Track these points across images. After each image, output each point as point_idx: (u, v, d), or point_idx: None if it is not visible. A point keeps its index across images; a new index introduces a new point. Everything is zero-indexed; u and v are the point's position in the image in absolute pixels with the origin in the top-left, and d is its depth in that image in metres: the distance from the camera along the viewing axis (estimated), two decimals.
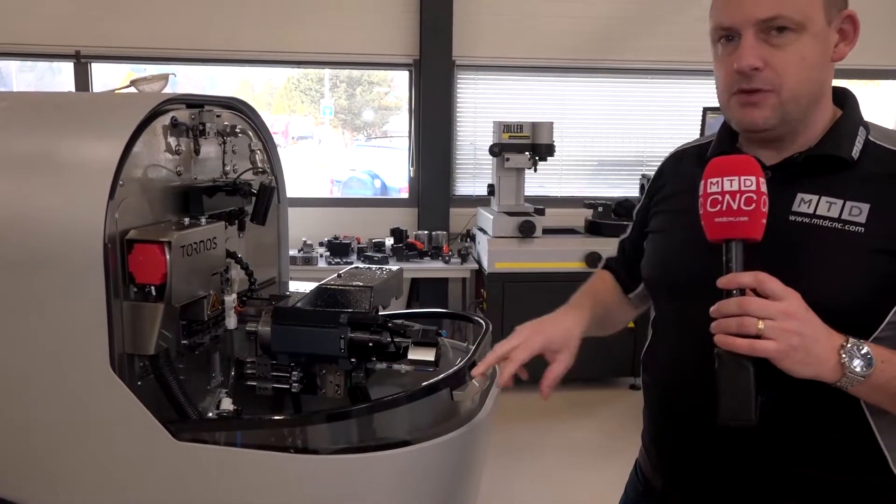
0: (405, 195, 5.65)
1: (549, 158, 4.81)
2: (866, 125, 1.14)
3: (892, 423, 1.09)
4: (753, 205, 0.99)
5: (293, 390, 1.60)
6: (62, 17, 5.01)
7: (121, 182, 1.28)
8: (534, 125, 4.79)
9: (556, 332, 1.27)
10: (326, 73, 6.97)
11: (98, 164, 1.26)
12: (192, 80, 6.90)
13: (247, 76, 7.13)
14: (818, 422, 1.09)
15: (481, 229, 4.99)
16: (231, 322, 1.59)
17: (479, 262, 4.96)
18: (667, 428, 1.27)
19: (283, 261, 1.93)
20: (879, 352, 1.00)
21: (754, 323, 0.95)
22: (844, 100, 1.17)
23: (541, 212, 4.77)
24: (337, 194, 6.65)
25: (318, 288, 1.57)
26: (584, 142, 5.43)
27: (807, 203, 1.09)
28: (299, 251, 4.95)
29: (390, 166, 6.57)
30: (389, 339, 1.52)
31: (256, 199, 1.56)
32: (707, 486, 1.19)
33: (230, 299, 1.57)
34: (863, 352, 0.98)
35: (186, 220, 1.43)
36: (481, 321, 1.70)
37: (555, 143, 4.79)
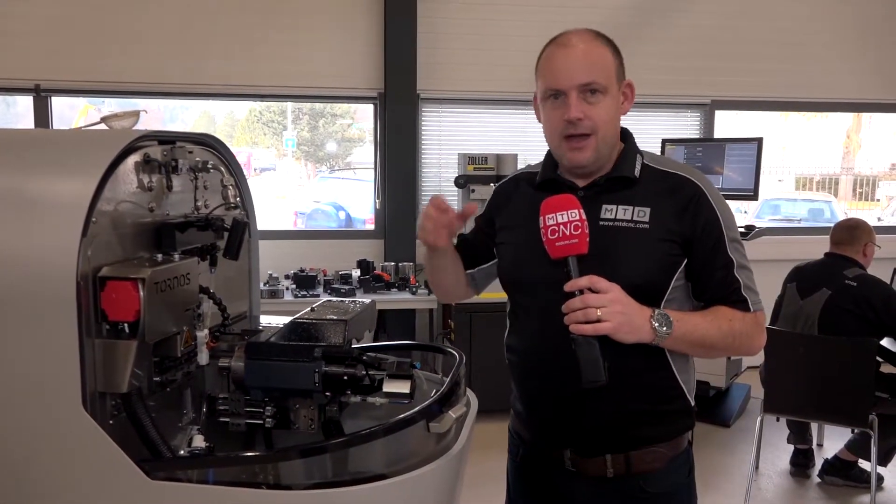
0: (370, 227, 5.66)
1: None
2: (641, 153, 1.61)
3: (682, 363, 1.57)
4: (580, 230, 1.41)
5: (267, 425, 1.59)
6: (21, 50, 4.96)
7: (93, 219, 1.27)
8: (498, 157, 4.86)
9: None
10: (289, 105, 6.97)
11: (71, 202, 1.26)
12: (153, 113, 6.86)
13: (208, 108, 7.10)
14: (640, 370, 1.52)
15: None
16: (203, 358, 1.58)
17: None
18: (533, 392, 1.65)
19: (255, 295, 1.93)
20: (674, 314, 1.46)
21: (594, 312, 1.37)
22: (626, 136, 1.62)
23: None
24: (301, 226, 6.63)
25: (291, 322, 1.57)
26: None
27: (609, 211, 1.54)
28: (265, 284, 4.91)
29: (355, 198, 6.58)
30: (364, 372, 1.52)
31: (229, 234, 1.56)
32: (565, 430, 1.59)
33: (202, 335, 1.56)
34: (665, 317, 1.44)
35: (159, 256, 1.43)
36: (454, 352, 1.71)
37: None
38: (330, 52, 5.29)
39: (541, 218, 1.45)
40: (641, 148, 1.64)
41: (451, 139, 5.54)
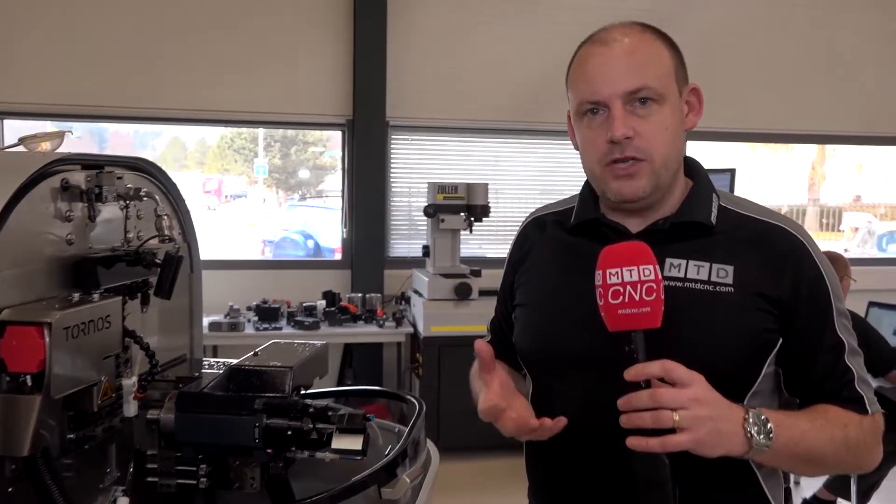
0: (339, 256, 5.50)
1: (484, 219, 4.75)
2: (717, 193, 1.22)
3: (770, 474, 1.18)
4: (654, 294, 1.01)
5: (201, 486, 1.41)
6: None
7: None
8: (468, 186, 4.75)
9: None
10: (261, 132, 6.84)
11: None
12: (122, 138, 6.66)
13: (178, 134, 6.93)
14: (719, 486, 1.13)
15: (416, 291, 4.87)
16: (130, 409, 1.40)
17: (414, 325, 4.83)
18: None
19: (196, 336, 1.75)
20: (773, 417, 1.04)
21: (670, 416, 0.96)
22: (694, 170, 1.24)
23: (477, 273, 4.69)
24: (269, 255, 6.44)
25: (230, 368, 1.40)
26: (519, 202, 5.41)
27: (676, 267, 1.14)
28: (225, 316, 4.72)
29: (325, 226, 6.42)
30: (311, 426, 1.35)
31: (161, 269, 1.39)
32: None
33: (129, 383, 1.38)
34: (763, 420, 1.02)
35: (76, 295, 1.25)
36: (414, 401, 1.55)
37: (490, 204, 4.74)
38: (298, 78, 5.17)
39: (598, 273, 1.05)
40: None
41: (422, 168, 5.42)
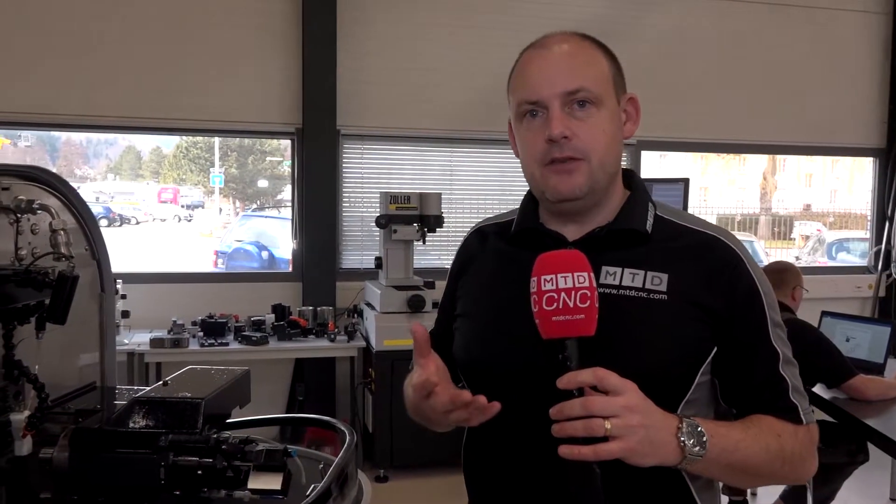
0: (291, 268, 5.33)
1: (438, 229, 4.65)
2: (653, 202, 1.22)
3: (705, 487, 1.15)
4: (588, 301, 0.99)
5: None
6: None
7: None
8: (421, 196, 4.63)
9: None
10: (217, 141, 6.65)
11: None
12: (74, 147, 6.40)
13: (133, 143, 6.69)
14: (651, 499, 1.11)
15: (369, 304, 4.74)
16: (22, 448, 1.25)
17: (367, 339, 4.69)
18: None
19: (108, 361, 1.60)
20: (707, 426, 1.03)
21: (601, 424, 0.94)
22: (632, 179, 1.24)
23: (430, 285, 4.57)
24: (223, 266, 6.25)
25: (132, 401, 1.26)
26: (474, 212, 5.32)
27: (612, 275, 1.14)
28: (169, 332, 4.52)
29: (280, 237, 6.25)
30: (225, 464, 1.22)
31: (53, 291, 1.25)
32: None
33: (18, 419, 1.23)
34: (697, 430, 1.01)
35: None
36: (343, 429, 1.42)
37: (443, 214, 4.64)
38: (247, 85, 4.99)
39: (533, 280, 1.03)
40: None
41: (374, 177, 5.29)
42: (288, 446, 1.27)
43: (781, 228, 7.98)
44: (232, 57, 4.98)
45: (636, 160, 5.76)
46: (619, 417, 0.95)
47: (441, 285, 4.67)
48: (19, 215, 1.29)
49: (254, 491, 1.22)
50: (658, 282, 1.12)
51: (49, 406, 1.26)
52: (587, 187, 1.14)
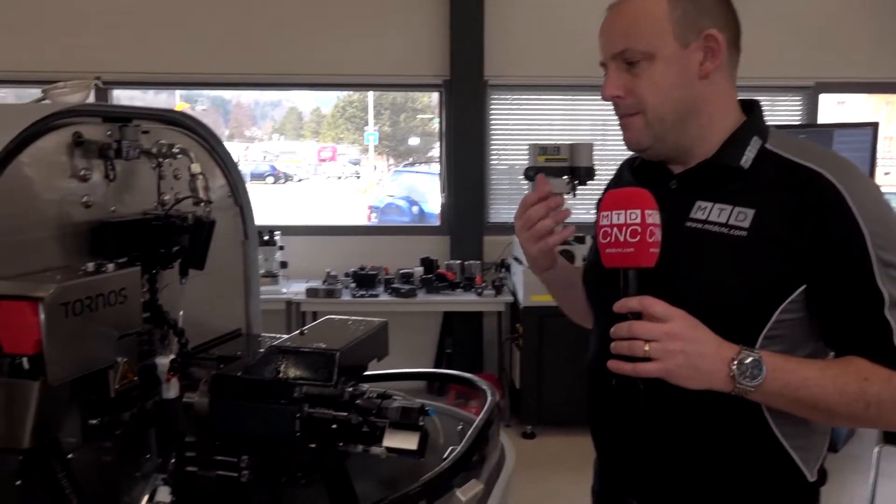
0: (439, 222, 5.33)
1: (588, 182, 4.42)
2: (764, 134, 1.21)
3: (793, 425, 1.15)
4: (638, 237, 1.06)
5: (243, 480, 1.25)
6: (83, 42, 4.85)
7: None
8: (572, 147, 4.40)
9: None
10: (371, 101, 6.79)
11: None
12: (244, 109, 6.76)
13: (295, 105, 6.99)
14: (717, 424, 1.16)
15: (516, 259, 4.63)
16: (169, 391, 1.26)
17: (514, 294, 4.60)
18: (593, 424, 1.35)
19: (252, 309, 1.59)
20: (772, 360, 1.06)
21: (641, 346, 1.04)
22: (750, 111, 1.25)
23: (580, 240, 4.39)
24: (375, 221, 6.41)
25: (268, 350, 1.22)
26: None
27: (703, 210, 1.18)
28: (323, 282, 4.68)
29: (430, 192, 6.30)
30: (360, 420, 1.16)
31: (191, 237, 1.23)
32: (629, 476, 1.27)
33: (163, 363, 1.23)
34: (755, 362, 1.05)
35: (91, 265, 1.10)
36: (485, 389, 1.32)
37: (595, 166, 4.40)
38: (394, 38, 4.98)
39: (598, 214, 1.11)
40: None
41: (522, 129, 5.13)
42: (426, 404, 1.19)
43: None
44: (381, 10, 4.97)
45: (812, 105, 5.19)
46: (658, 342, 1.03)
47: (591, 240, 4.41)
48: (161, 160, 1.27)
49: (389, 449, 1.15)
50: (742, 217, 1.13)
51: (189, 351, 1.26)
52: (650, 138, 1.21)
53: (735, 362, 1.04)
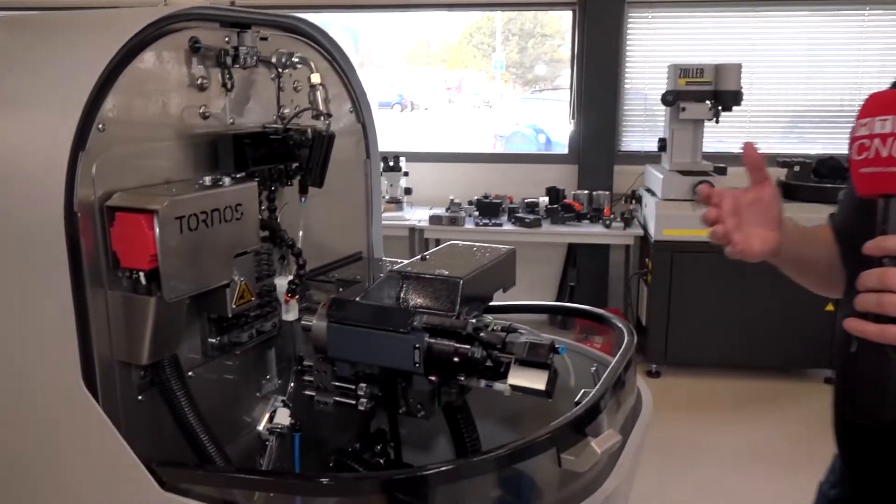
0: (567, 150, 5.11)
1: (734, 108, 4.06)
2: None
3: None
4: None
5: (360, 408, 1.20)
6: None
7: (99, 125, 0.91)
8: (717, 68, 4.05)
9: None
10: (498, 26, 6.60)
11: (62, 102, 0.90)
12: (372, 38, 6.76)
13: (423, 34, 6.94)
14: None
15: (649, 190, 4.37)
16: (289, 313, 1.22)
17: (644, 227, 4.36)
18: (837, 404, 1.07)
19: (374, 232, 1.53)
20: None
21: (894, 302, 0.78)
22: None
23: (721, 171, 4.07)
24: (500, 149, 6.29)
25: (388, 274, 1.15)
26: (777, 89, 4.57)
27: None
28: (446, 210, 4.63)
29: (558, 121, 6.08)
30: (484, 353, 1.07)
31: (310, 152, 1.15)
32: (879, 474, 1.02)
33: (282, 283, 1.19)
34: None
35: (207, 179, 1.05)
36: (623, 327, 1.20)
37: (742, 90, 4.02)
38: None
39: (854, 124, 0.86)
40: None
41: (662, 49, 4.76)
42: (556, 340, 1.08)
43: None
44: None
45: None
46: None
47: (734, 172, 4.07)
48: (280, 70, 1.20)
49: (515, 387, 1.06)
50: None
51: (307, 273, 1.21)
52: None
53: None
